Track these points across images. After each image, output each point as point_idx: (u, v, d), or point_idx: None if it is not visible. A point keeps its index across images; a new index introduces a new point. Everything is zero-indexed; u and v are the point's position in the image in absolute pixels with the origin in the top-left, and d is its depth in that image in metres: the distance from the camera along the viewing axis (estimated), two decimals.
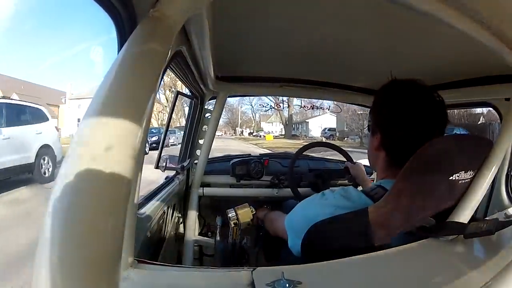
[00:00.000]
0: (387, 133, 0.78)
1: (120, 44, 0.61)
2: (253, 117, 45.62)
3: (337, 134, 26.39)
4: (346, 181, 1.78)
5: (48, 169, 5.71)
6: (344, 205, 0.72)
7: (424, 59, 1.12)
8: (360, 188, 1.52)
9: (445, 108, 0.77)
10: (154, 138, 11.54)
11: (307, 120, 35.37)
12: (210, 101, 1.74)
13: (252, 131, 45.24)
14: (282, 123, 34.99)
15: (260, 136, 37.20)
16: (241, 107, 41.58)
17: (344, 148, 1.84)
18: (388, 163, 0.79)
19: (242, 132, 44.39)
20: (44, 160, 5.66)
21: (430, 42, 0.93)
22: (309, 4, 0.79)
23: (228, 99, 1.85)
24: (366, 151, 0.91)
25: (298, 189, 1.67)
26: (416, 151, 0.68)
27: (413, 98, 0.75)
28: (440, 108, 0.76)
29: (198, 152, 1.78)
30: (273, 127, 44.74)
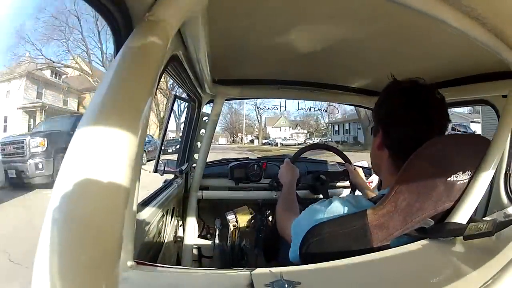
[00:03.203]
0: (388, 130, 0.79)
1: (116, 48, 0.61)
2: (258, 120, 37.89)
3: None
4: (345, 183, 1.79)
5: None
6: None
7: (421, 58, 1.12)
8: (358, 193, 1.53)
9: (445, 105, 0.78)
10: None
11: None
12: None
13: (254, 137, 37.94)
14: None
15: (277, 145, 30.38)
16: (245, 106, 34.21)
17: None
18: (392, 163, 0.79)
19: (241, 139, 37.55)
20: None
21: (427, 40, 0.94)
22: (306, 6, 0.79)
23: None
24: None
25: (297, 191, 1.67)
26: (417, 148, 0.68)
27: (412, 96, 0.75)
28: (440, 105, 0.77)
29: (196, 155, 1.78)
30: (282, 133, 37.49)
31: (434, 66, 1.16)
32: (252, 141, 37.52)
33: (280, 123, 37.62)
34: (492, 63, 0.96)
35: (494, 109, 1.27)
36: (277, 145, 30.34)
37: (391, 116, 0.78)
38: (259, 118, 37.07)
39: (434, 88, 0.78)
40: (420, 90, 0.76)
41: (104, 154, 0.33)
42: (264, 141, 35.58)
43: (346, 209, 0.71)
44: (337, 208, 0.72)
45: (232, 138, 38.79)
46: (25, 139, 6.65)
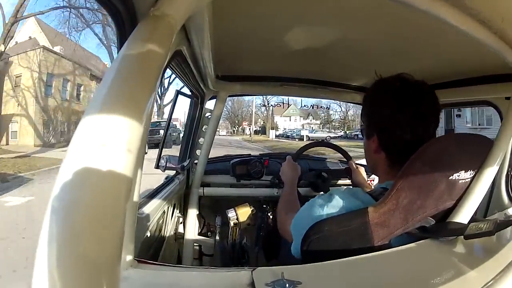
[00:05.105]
0: (384, 134, 0.78)
1: (120, 43, 0.61)
2: (266, 108, 32.29)
3: None
4: (346, 181, 1.78)
5: None
6: (354, 205, 0.71)
7: (424, 58, 1.12)
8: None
9: (436, 98, 0.78)
10: None
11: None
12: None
13: (258, 128, 33.13)
14: None
15: (302, 138, 23.02)
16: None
17: None
18: (390, 164, 0.79)
19: (244, 129, 33.55)
20: None
21: (430, 40, 0.93)
22: (309, 3, 0.79)
23: None
24: None
25: (298, 188, 1.67)
26: (415, 148, 0.68)
27: (403, 98, 0.75)
28: (431, 99, 0.77)
29: (198, 152, 1.78)
30: (292, 123, 32.63)
31: (437, 66, 1.16)
32: (257, 133, 31.79)
33: (289, 112, 32.78)
34: (496, 65, 0.96)
35: (497, 110, 1.27)
36: (303, 139, 22.77)
37: (385, 122, 0.77)
38: (266, 106, 30.93)
39: (422, 83, 0.77)
40: (409, 88, 0.75)
41: (106, 147, 0.33)
42: (277, 133, 28.64)
43: (346, 202, 0.71)
44: (337, 202, 0.72)
45: (233, 129, 34.23)
46: None
